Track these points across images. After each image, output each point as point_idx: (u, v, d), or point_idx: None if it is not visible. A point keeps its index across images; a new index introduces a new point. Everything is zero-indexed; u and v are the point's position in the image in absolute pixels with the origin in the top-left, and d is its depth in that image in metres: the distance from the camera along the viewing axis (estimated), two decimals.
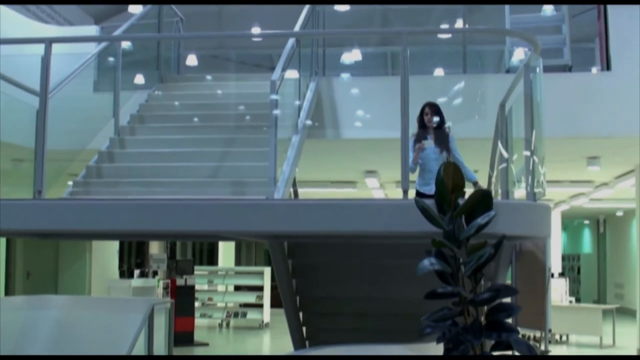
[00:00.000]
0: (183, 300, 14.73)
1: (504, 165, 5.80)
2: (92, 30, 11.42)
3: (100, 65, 8.46)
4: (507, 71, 9.68)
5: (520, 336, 3.94)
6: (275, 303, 18.51)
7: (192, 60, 11.99)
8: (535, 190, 4.96)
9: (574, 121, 9.20)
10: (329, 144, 9.85)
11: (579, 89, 9.40)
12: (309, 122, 8.00)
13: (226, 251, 23.01)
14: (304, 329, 7.50)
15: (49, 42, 5.54)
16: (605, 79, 9.48)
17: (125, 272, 18.15)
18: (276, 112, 6.03)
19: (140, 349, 8.24)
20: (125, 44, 8.45)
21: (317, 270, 7.08)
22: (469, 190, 4.20)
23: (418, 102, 7.02)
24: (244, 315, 18.41)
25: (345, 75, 10.42)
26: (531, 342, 9.06)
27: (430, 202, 4.12)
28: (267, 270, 18.66)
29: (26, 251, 15.93)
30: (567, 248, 28.34)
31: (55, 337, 8.71)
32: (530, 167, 5.03)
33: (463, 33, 10.24)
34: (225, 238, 7.36)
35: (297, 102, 7.78)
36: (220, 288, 19.41)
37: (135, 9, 12.18)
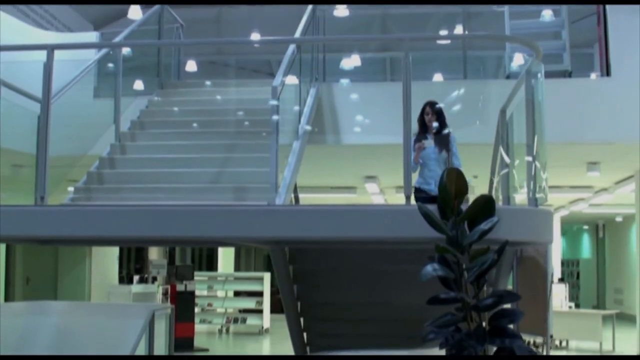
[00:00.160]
0: (183, 306, 14.72)
1: (505, 170, 5.81)
2: (93, 36, 11.42)
3: (100, 71, 8.47)
4: (508, 77, 9.69)
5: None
6: (275, 309, 18.52)
7: (191, 66, 12.02)
8: (537, 195, 4.97)
9: (574, 127, 9.20)
10: (329, 149, 9.85)
11: (579, 94, 9.42)
12: (308, 127, 8.01)
13: (226, 257, 22.98)
14: (304, 334, 7.49)
15: (51, 48, 5.55)
16: (605, 85, 9.50)
17: (125, 278, 18.12)
18: (277, 118, 6.03)
19: None
20: (125, 50, 8.47)
21: (319, 276, 7.07)
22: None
23: (418, 108, 7.05)
24: (244, 321, 18.37)
25: (344, 81, 10.43)
26: (531, 348, 9.03)
27: (432, 208, 4.12)
28: (267, 276, 18.66)
29: (25, 257, 15.90)
30: (566, 253, 28.32)
31: (55, 343, 8.69)
32: (532, 173, 5.03)
33: (463, 39, 10.23)
34: (227, 244, 7.35)
35: (298, 108, 7.78)
36: (220, 294, 19.39)
37: (134, 15, 12.20)
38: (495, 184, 6.47)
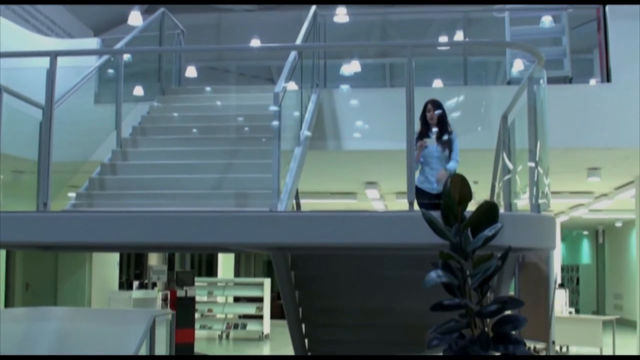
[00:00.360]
0: (183, 312, 14.68)
1: (508, 176, 5.81)
2: (93, 42, 11.43)
3: (101, 77, 8.48)
4: (509, 83, 9.70)
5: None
6: (275, 314, 18.51)
7: (191, 72, 12.04)
8: (540, 201, 4.97)
9: (574, 132, 9.21)
10: (329, 155, 9.86)
11: (579, 100, 9.43)
12: (308, 133, 8.01)
13: (225, 262, 22.98)
14: (306, 340, 7.48)
15: (54, 55, 5.55)
16: (606, 91, 9.51)
17: (125, 284, 18.10)
18: (279, 124, 6.03)
19: None
20: (126, 56, 8.48)
21: (321, 282, 7.07)
22: None
23: (417, 114, 7.06)
24: (244, 326, 18.36)
25: (345, 87, 10.45)
26: (533, 354, 9.04)
27: (436, 214, 4.12)
28: (267, 282, 18.65)
29: (25, 262, 15.89)
30: (566, 259, 28.30)
31: (56, 349, 8.68)
32: (535, 179, 5.03)
33: (464, 46, 10.24)
34: (228, 250, 7.35)
35: (299, 114, 7.79)
36: (220, 299, 19.37)
37: (134, 21, 12.23)
38: (497, 190, 6.47)
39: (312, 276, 7.09)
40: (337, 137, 9.54)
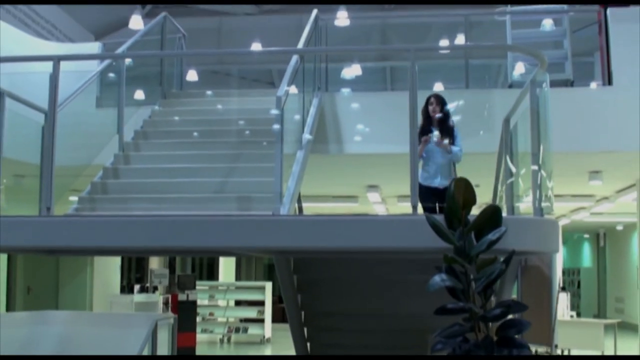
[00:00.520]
0: (185, 316, 14.69)
1: (511, 180, 5.81)
2: (95, 46, 11.45)
3: (102, 81, 8.48)
4: (510, 86, 9.71)
5: None
6: (276, 318, 18.49)
7: (192, 75, 12.05)
8: (543, 204, 4.97)
9: (575, 136, 9.21)
10: (331, 158, 9.86)
11: (581, 103, 9.43)
12: (309, 137, 8.02)
13: (226, 266, 22.96)
14: (308, 344, 7.47)
15: (57, 60, 5.56)
16: (607, 94, 9.51)
17: (126, 288, 18.09)
18: (281, 127, 6.03)
19: None
20: (128, 60, 8.48)
21: (323, 285, 7.06)
22: None
23: (419, 116, 7.08)
24: (245, 330, 18.33)
25: (346, 90, 10.46)
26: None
27: (439, 218, 4.12)
28: (268, 285, 18.64)
29: (27, 266, 15.89)
30: (567, 262, 28.28)
31: (57, 353, 8.68)
32: (538, 182, 5.03)
33: (466, 49, 10.25)
34: (231, 253, 7.35)
35: (301, 118, 7.79)
36: (221, 303, 19.35)
37: (135, 25, 12.25)
38: (499, 193, 6.47)
39: (315, 280, 7.09)
40: (338, 141, 9.55)
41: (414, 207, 5.04)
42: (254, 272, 31.33)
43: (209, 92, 9.67)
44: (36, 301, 15.50)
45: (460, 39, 11.06)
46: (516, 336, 3.96)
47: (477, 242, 3.98)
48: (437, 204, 7.14)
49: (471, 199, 3.94)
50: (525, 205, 5.54)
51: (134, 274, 20.69)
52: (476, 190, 4.01)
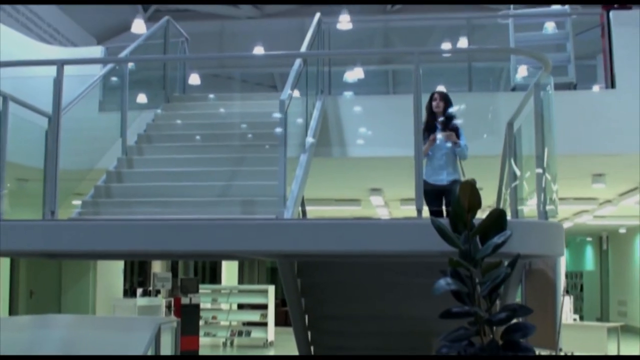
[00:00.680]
0: (188, 319, 14.68)
1: (516, 183, 5.80)
2: (97, 50, 11.45)
3: (105, 85, 8.49)
4: (513, 89, 9.70)
5: None
6: (279, 321, 18.48)
7: (194, 79, 12.06)
8: (548, 208, 4.96)
9: (578, 139, 9.20)
10: (334, 162, 9.86)
11: (584, 106, 9.42)
12: (312, 140, 8.02)
13: (229, 269, 22.96)
14: (312, 348, 7.46)
15: (61, 64, 5.56)
16: (610, 97, 9.50)
17: (129, 291, 18.09)
18: (285, 131, 6.02)
19: None
20: (130, 64, 8.49)
21: (327, 289, 7.04)
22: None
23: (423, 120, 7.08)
24: (248, 333, 18.32)
25: (348, 94, 10.46)
26: None
27: (444, 221, 4.12)
28: (271, 289, 18.62)
29: (29, 270, 15.88)
30: (569, 265, 28.24)
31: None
32: (543, 185, 5.02)
33: (469, 52, 10.24)
34: (234, 257, 7.34)
35: (305, 121, 7.79)
36: (224, 306, 19.34)
37: (138, 29, 12.26)
38: (504, 196, 6.47)
39: (319, 283, 7.08)
40: (341, 144, 9.55)
41: (419, 211, 5.03)
42: (256, 276, 31.34)
43: (211, 96, 9.68)
44: (39, 305, 15.48)
45: (462, 42, 11.06)
46: (521, 340, 3.95)
47: (483, 245, 3.98)
48: (442, 206, 7.14)
49: (476, 203, 3.94)
50: (529, 208, 5.53)
51: (137, 278, 20.70)
52: (480, 193, 4.01)
